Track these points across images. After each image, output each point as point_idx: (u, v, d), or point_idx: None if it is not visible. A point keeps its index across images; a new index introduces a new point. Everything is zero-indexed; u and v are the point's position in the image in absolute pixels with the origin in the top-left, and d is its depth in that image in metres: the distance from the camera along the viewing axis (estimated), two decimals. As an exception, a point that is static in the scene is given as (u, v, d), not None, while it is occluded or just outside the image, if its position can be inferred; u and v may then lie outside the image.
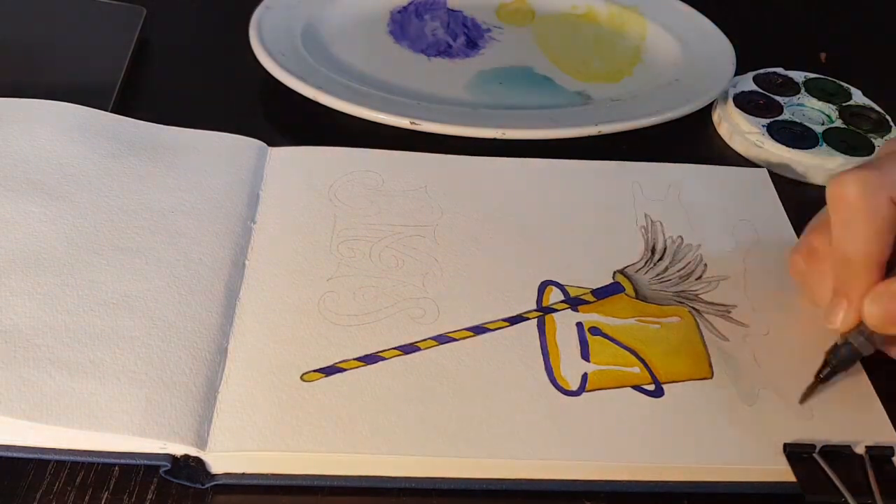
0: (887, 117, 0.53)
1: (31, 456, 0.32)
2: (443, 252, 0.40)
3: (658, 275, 0.41)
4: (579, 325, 0.38)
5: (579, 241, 0.42)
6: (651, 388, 0.35)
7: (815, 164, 0.49)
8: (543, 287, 0.39)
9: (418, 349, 0.36)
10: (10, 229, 0.38)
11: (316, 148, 0.46)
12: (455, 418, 0.33)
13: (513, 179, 0.45)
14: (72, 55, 0.52)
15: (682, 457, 0.33)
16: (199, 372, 0.34)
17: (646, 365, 0.36)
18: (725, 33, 0.58)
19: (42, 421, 0.31)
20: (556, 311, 0.38)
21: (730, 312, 0.39)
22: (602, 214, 0.44)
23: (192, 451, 0.31)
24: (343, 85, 0.51)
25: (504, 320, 0.38)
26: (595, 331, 0.38)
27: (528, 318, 0.38)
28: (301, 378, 0.34)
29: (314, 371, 0.34)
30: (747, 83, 0.55)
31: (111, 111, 0.47)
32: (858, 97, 0.55)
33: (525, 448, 0.33)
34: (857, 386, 0.36)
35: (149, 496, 0.32)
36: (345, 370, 0.35)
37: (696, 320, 0.39)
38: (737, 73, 0.55)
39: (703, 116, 0.53)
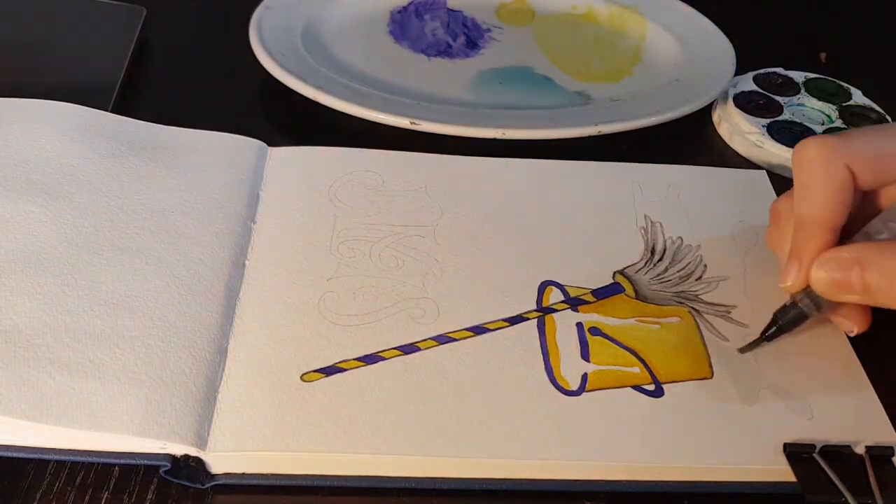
0: (887, 117, 0.53)
1: (31, 456, 0.32)
2: (443, 252, 0.41)
3: (658, 275, 0.41)
4: (579, 325, 0.38)
5: (579, 241, 0.42)
6: (651, 388, 0.35)
7: (815, 165, 0.49)
8: (543, 287, 0.39)
9: (418, 349, 0.36)
10: (10, 229, 0.38)
11: (316, 148, 0.46)
12: (455, 418, 0.33)
13: (513, 179, 0.45)
14: (72, 55, 0.52)
15: (682, 457, 0.33)
16: (199, 372, 0.34)
17: (646, 365, 0.36)
18: (725, 33, 0.58)
19: (42, 421, 0.31)
20: (556, 311, 0.38)
21: (730, 313, 0.39)
22: (602, 215, 0.44)
23: (192, 451, 0.31)
24: (343, 85, 0.51)
25: (504, 320, 0.38)
26: (595, 331, 0.38)
27: (528, 319, 0.38)
28: (301, 378, 0.34)
29: (314, 371, 0.34)
30: (747, 83, 0.55)
31: (111, 111, 0.47)
32: (858, 97, 0.55)
33: (525, 448, 0.33)
34: (857, 386, 0.36)
35: (149, 496, 0.32)
36: (345, 370, 0.35)
37: (695, 320, 0.39)
38: (737, 73, 0.55)
39: (703, 116, 0.53)
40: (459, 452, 0.32)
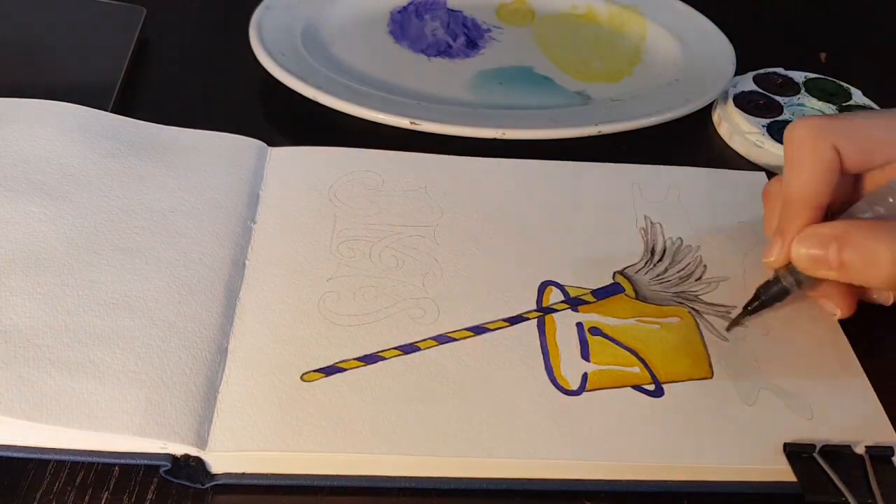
0: (887, 117, 0.53)
1: (31, 456, 0.32)
2: (443, 252, 0.41)
3: (658, 276, 0.41)
4: (579, 325, 0.38)
5: (579, 241, 0.42)
6: (651, 387, 0.35)
7: (814, 165, 0.49)
8: (543, 287, 0.39)
9: (418, 349, 0.36)
10: (10, 229, 0.38)
11: (316, 148, 0.46)
12: (455, 418, 0.33)
13: (513, 179, 0.45)
14: (72, 55, 0.52)
15: (682, 457, 0.33)
16: (199, 372, 0.34)
17: (646, 365, 0.36)
18: (725, 33, 0.58)
19: (42, 421, 0.31)
20: (556, 311, 0.38)
21: (729, 313, 0.39)
22: (602, 215, 0.44)
23: (193, 451, 0.31)
24: (343, 85, 0.51)
25: (504, 320, 0.38)
26: (595, 331, 0.38)
27: (528, 318, 0.38)
28: (301, 378, 0.34)
29: (314, 371, 0.34)
30: (747, 83, 0.55)
31: (111, 111, 0.47)
32: (858, 97, 0.55)
33: (525, 448, 0.33)
34: (857, 386, 0.36)
35: (149, 496, 0.32)
36: (345, 370, 0.35)
37: (695, 320, 0.39)
38: (737, 73, 0.55)
39: (703, 116, 0.53)
40: (459, 452, 0.32)
